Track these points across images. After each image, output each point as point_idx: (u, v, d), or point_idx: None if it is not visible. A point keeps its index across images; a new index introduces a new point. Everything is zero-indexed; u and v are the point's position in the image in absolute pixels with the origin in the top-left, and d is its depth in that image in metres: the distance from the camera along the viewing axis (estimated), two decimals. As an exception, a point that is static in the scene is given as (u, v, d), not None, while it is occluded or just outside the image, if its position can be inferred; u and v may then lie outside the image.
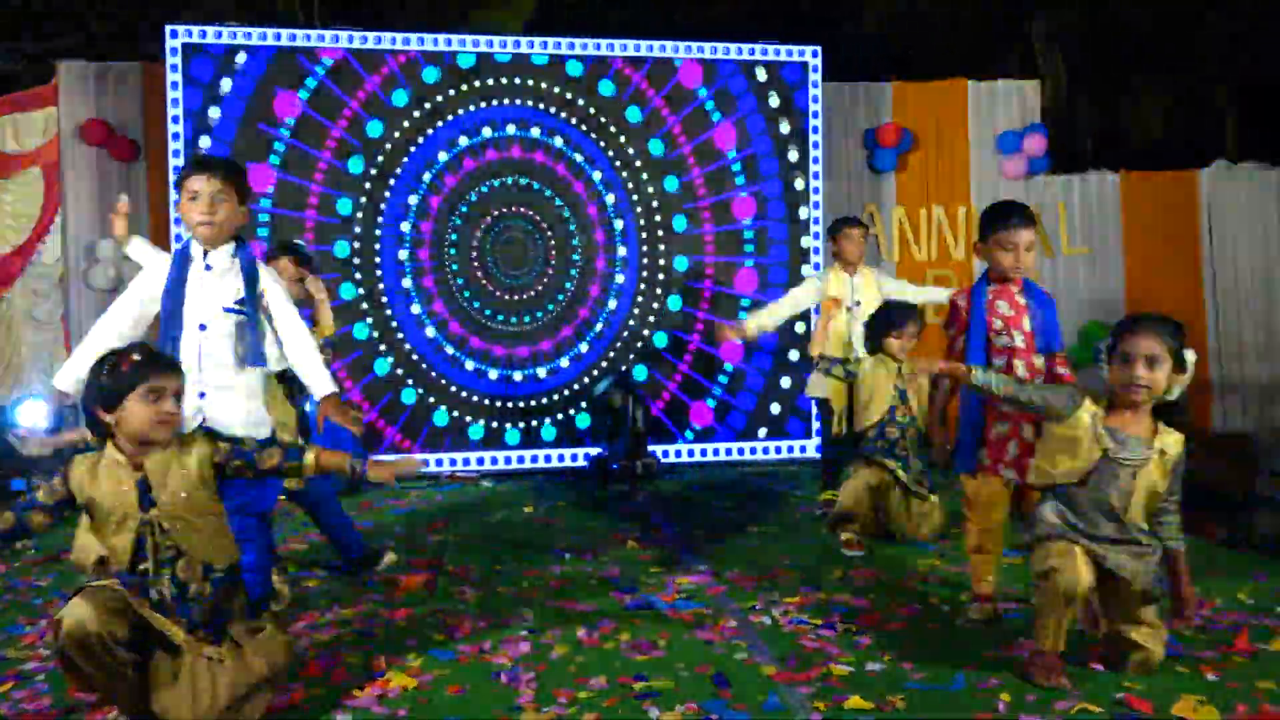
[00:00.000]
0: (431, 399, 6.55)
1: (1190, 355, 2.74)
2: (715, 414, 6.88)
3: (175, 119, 6.23)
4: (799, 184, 7.04)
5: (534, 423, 6.67)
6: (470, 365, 6.61)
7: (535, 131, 6.71)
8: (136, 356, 2.51)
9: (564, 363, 6.72)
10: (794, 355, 6.88)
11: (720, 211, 6.92)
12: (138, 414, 2.46)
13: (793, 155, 7.03)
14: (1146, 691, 2.67)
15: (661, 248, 6.88)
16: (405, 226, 6.56)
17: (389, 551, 4.16)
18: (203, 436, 2.59)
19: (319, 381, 3.13)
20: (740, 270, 6.93)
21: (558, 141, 6.73)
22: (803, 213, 7.04)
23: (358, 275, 6.47)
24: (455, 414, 6.56)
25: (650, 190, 6.86)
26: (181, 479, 2.49)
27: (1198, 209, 8.01)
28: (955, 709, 2.60)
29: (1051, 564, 2.72)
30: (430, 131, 6.58)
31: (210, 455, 2.54)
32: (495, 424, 6.63)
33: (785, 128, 7.01)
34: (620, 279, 6.80)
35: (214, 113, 6.26)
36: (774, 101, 6.99)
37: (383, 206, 6.52)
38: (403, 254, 6.54)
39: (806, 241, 6.97)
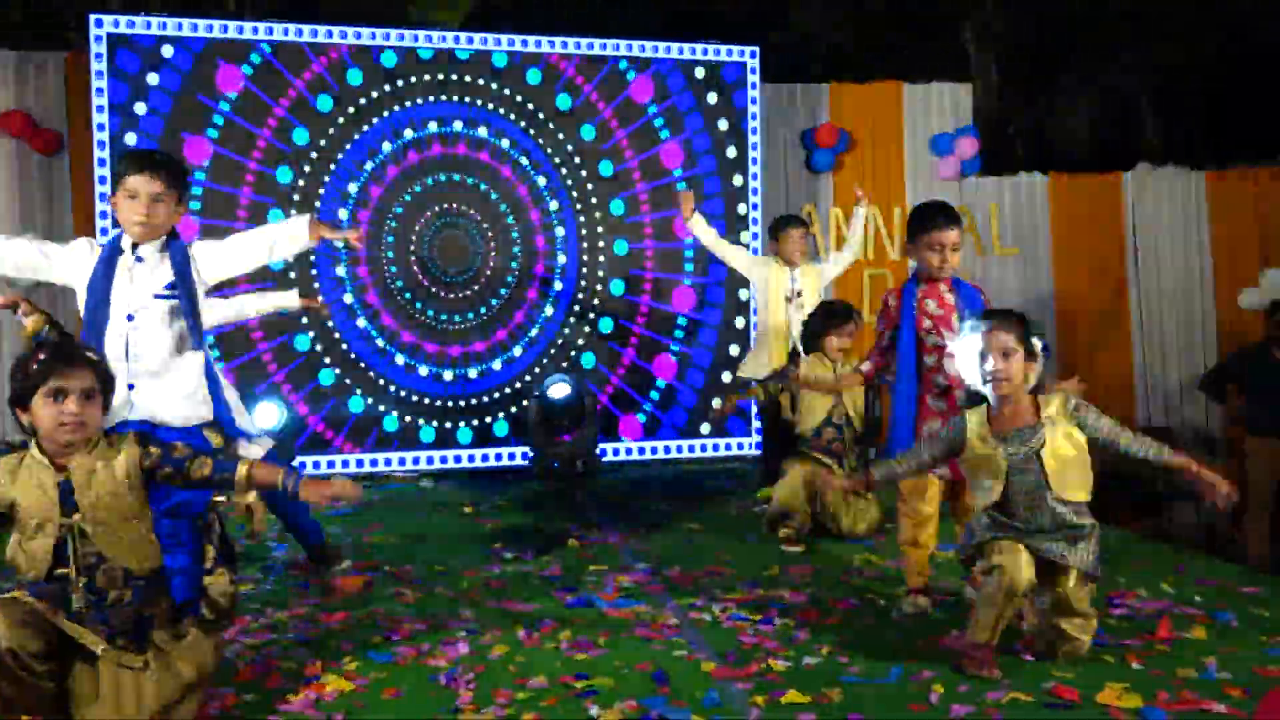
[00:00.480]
0: (371, 400, 6.47)
1: (1038, 344, 2.90)
2: (649, 421, 6.90)
3: (100, 109, 6.06)
4: (737, 181, 7.09)
5: (475, 421, 6.62)
6: (405, 363, 6.54)
7: (482, 131, 6.67)
8: (42, 355, 2.42)
9: (510, 357, 6.68)
10: (734, 350, 6.93)
11: (661, 208, 6.94)
12: (42, 415, 2.39)
13: (731, 153, 7.07)
14: (1074, 680, 2.75)
15: (601, 244, 6.87)
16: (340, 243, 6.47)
17: (347, 559, 4.10)
18: (133, 439, 2.50)
19: (290, 235, 3.16)
20: (679, 287, 6.95)
21: (506, 144, 6.70)
22: (740, 209, 7.09)
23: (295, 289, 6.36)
24: (397, 414, 6.48)
25: (590, 189, 6.86)
26: (107, 483, 2.41)
27: (1122, 211, 8.25)
28: (890, 701, 2.65)
29: (996, 561, 2.78)
30: (357, 136, 6.48)
31: (139, 459, 2.46)
32: (437, 424, 6.57)
33: (724, 126, 7.06)
34: (558, 285, 6.78)
35: (139, 108, 6.10)
36: (713, 100, 7.03)
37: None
38: (339, 269, 6.44)
39: (745, 238, 7.03)
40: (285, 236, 3.16)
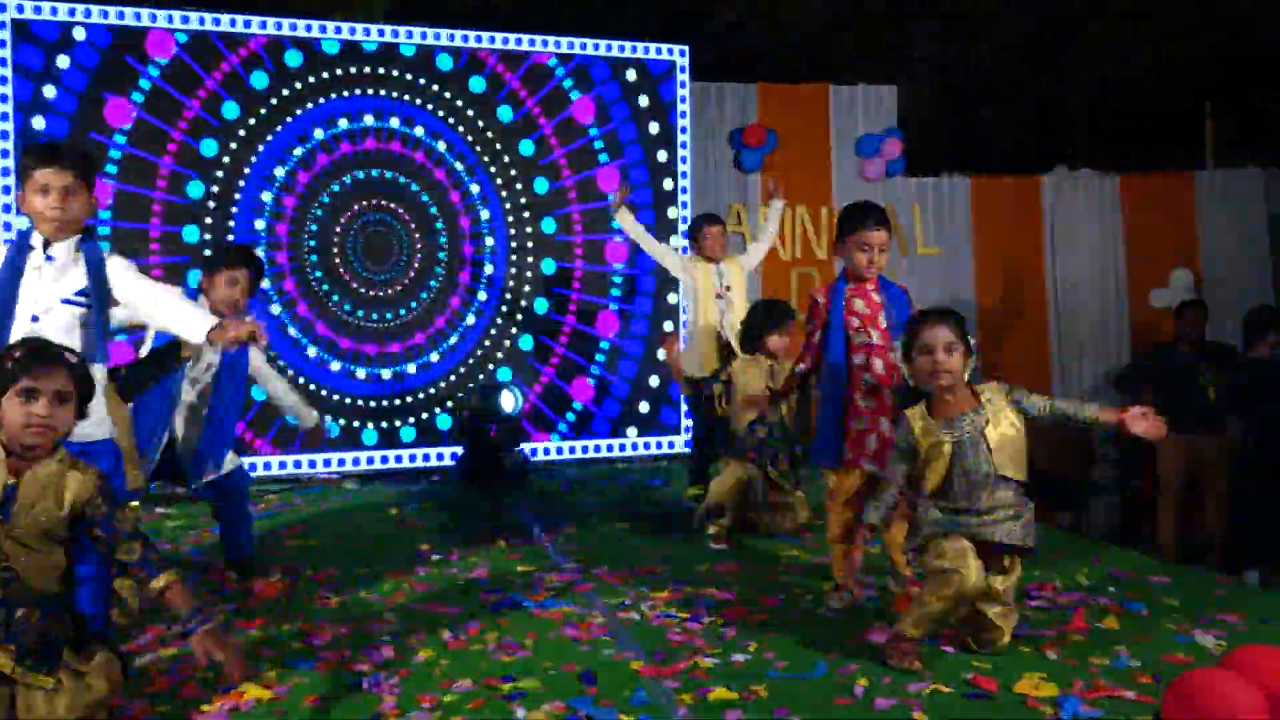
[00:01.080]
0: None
1: (972, 340, 3.02)
2: (598, 387, 6.89)
3: (4, 98, 5.82)
4: (667, 184, 7.12)
5: (398, 422, 6.54)
6: (336, 366, 6.43)
7: (396, 123, 6.58)
8: (18, 352, 2.33)
9: (425, 363, 6.61)
10: (663, 355, 6.96)
11: (593, 229, 6.92)
12: (9, 414, 2.30)
13: (661, 156, 7.10)
14: (992, 671, 2.82)
15: (530, 259, 6.84)
16: (260, 224, 6.32)
17: (276, 572, 4.00)
18: (96, 477, 2.39)
19: (197, 321, 2.86)
20: (604, 312, 6.95)
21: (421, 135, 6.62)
22: (671, 213, 7.12)
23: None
24: (329, 417, 6.37)
25: (520, 187, 6.82)
26: (51, 508, 2.31)
27: (1041, 213, 8.49)
28: (816, 695, 2.69)
29: (946, 565, 2.81)
30: (279, 128, 6.35)
31: (85, 501, 2.34)
32: (357, 424, 6.47)
33: (654, 128, 7.08)
34: (482, 296, 6.73)
35: (49, 91, 5.89)
36: (643, 101, 7.05)
37: (231, 223, 6.27)
38: (264, 281, 6.27)
39: (675, 240, 7.06)
40: (187, 325, 2.90)
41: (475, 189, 6.73)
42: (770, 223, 5.67)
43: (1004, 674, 2.79)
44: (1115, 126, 11.21)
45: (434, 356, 6.62)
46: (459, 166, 6.69)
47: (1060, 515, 7.39)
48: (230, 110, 6.26)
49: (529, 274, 6.82)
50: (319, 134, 6.43)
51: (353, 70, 6.49)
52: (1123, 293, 8.51)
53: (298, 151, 6.40)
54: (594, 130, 6.93)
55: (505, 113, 6.80)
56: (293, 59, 6.37)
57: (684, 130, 7.18)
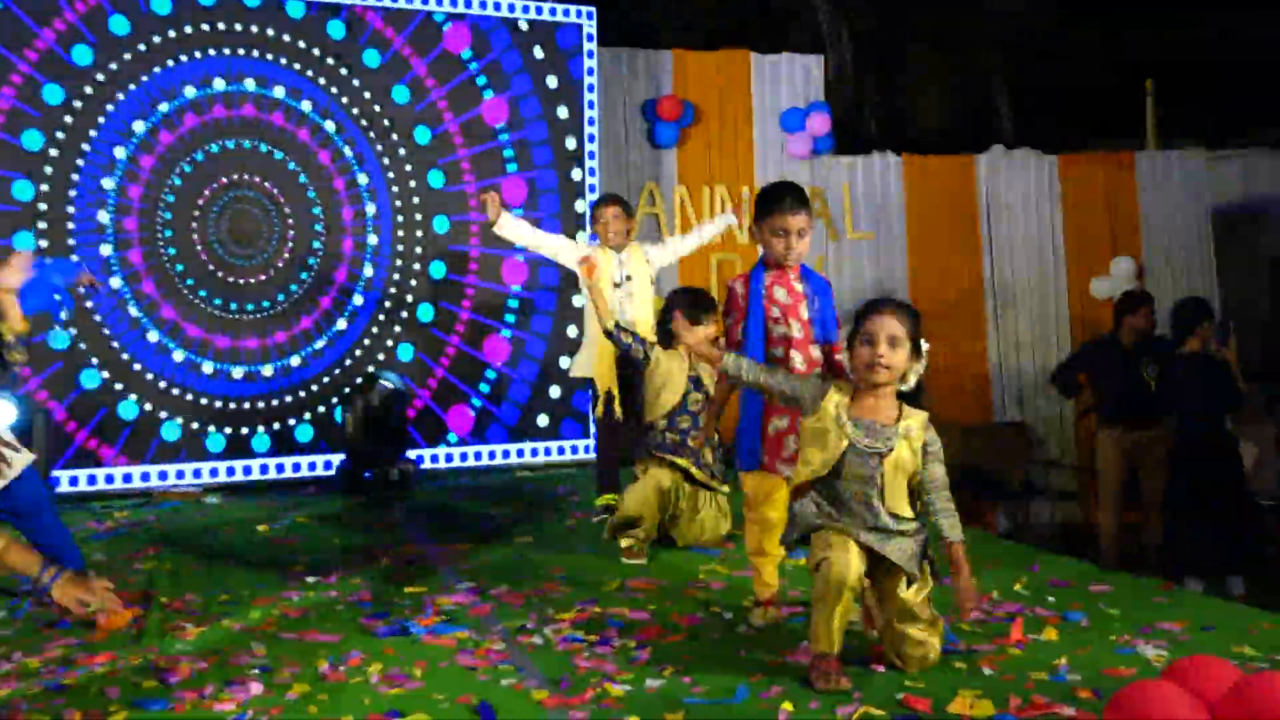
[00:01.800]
0: (148, 405, 6.15)
1: (925, 345, 3.03)
2: (479, 417, 6.84)
3: None
4: (570, 144, 7.09)
5: (277, 426, 6.41)
6: (180, 356, 6.25)
7: (278, 92, 6.42)
8: None
9: (314, 351, 6.47)
10: (565, 362, 6.94)
11: (487, 174, 6.89)
12: None
13: (563, 113, 7.06)
14: (925, 690, 2.88)
15: (418, 218, 6.75)
16: (104, 217, 6.10)
17: (123, 600, 3.85)
18: None
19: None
20: (507, 260, 6.91)
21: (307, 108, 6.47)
22: (575, 174, 7.12)
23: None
24: (180, 420, 6.18)
25: (403, 151, 6.72)
26: None
27: (975, 195, 8.72)
28: (736, 723, 2.71)
29: (822, 555, 2.87)
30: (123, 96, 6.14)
31: None
32: (230, 429, 6.32)
33: (560, 104, 7.06)
34: (369, 270, 6.62)
35: None
36: (547, 70, 7.03)
37: (72, 194, 6.03)
38: (105, 248, 6.09)
39: (581, 206, 7.06)
40: None
41: (364, 179, 6.61)
42: (706, 229, 5.62)
43: (937, 693, 2.85)
44: (1053, 104, 11.60)
45: (320, 344, 6.49)
46: (348, 152, 6.57)
47: (997, 518, 7.61)
48: (82, 55, 6.02)
49: (413, 281, 6.74)
50: (190, 92, 6.23)
51: (237, 28, 6.32)
52: (1062, 282, 8.81)
53: (163, 108, 6.19)
54: (501, 128, 6.90)
55: (401, 93, 6.70)
56: (160, 6, 6.16)
57: (591, 105, 7.17)
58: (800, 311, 3.47)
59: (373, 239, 6.67)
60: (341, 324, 6.58)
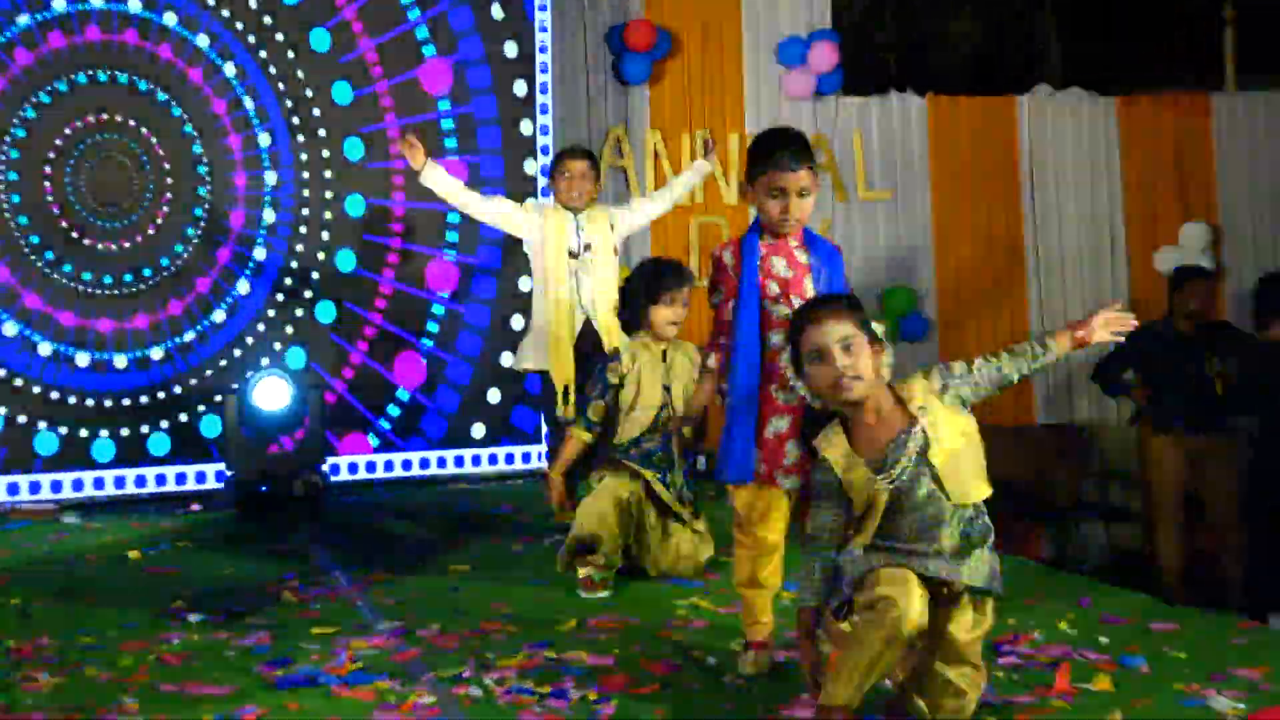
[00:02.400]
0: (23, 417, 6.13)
1: (878, 327, 3.04)
2: (405, 417, 6.84)
3: None
4: (519, 89, 7.10)
5: (145, 429, 6.37)
6: (47, 349, 6.21)
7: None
8: None
9: (182, 344, 6.44)
10: (506, 359, 6.95)
11: (407, 100, 6.90)
12: None
13: (510, 51, 7.08)
14: (953, 751, 2.91)
15: (328, 195, 6.74)
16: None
17: None
18: None
19: None
20: (435, 261, 6.91)
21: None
22: (525, 127, 7.12)
23: None
24: (23, 420, 6.15)
25: (318, 111, 6.71)
26: None
27: (1017, 145, 8.78)
28: (721, 792, 2.73)
29: (880, 593, 2.80)
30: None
31: None
32: (85, 433, 6.27)
33: (500, 17, 7.07)
34: (261, 253, 6.60)
35: None
36: (505, 34, 7.08)
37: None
38: None
39: (531, 167, 7.06)
40: None
41: (265, 140, 6.60)
42: (678, 183, 5.67)
43: (967, 755, 2.88)
44: (1110, 34, 11.66)
45: (189, 336, 6.45)
46: (249, 104, 6.59)
47: (1040, 542, 7.69)
48: None
49: (315, 273, 6.75)
50: (60, 4, 6.21)
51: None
52: (1121, 252, 8.88)
53: (23, 20, 6.17)
54: (442, 98, 6.95)
55: (321, 39, 6.69)
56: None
57: (543, 27, 7.17)
58: (804, 287, 3.47)
59: (269, 215, 6.64)
60: (220, 315, 6.54)
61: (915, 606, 2.78)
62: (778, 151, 3.44)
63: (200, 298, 6.53)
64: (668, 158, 7.99)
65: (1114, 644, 3.74)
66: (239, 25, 6.58)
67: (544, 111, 7.21)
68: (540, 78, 7.19)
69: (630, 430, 4.64)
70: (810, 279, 3.50)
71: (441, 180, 5.30)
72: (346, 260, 6.79)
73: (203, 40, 6.50)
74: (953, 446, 2.92)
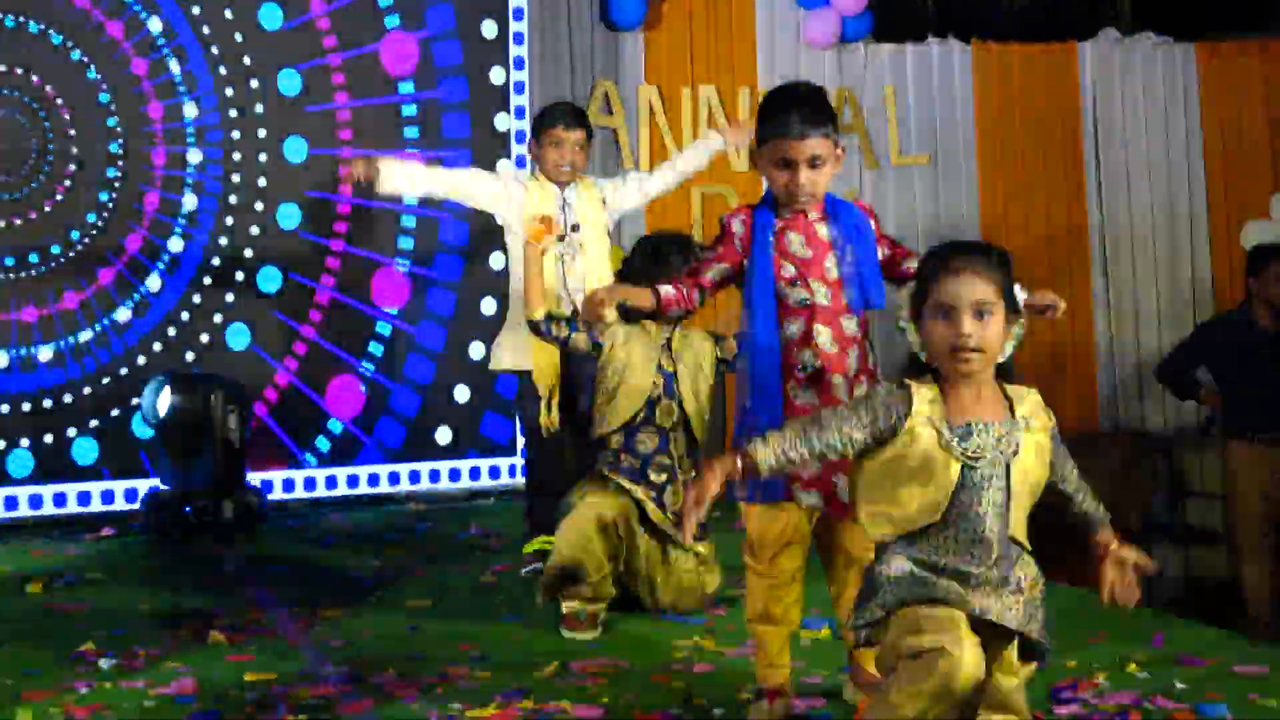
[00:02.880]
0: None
1: (1021, 294, 3.02)
2: (358, 422, 6.85)
3: None
4: (488, 31, 7.11)
5: (48, 439, 6.40)
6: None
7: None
8: None
9: (76, 346, 6.44)
10: (476, 351, 6.95)
11: (372, 139, 6.93)
12: None
13: (488, 30, 7.13)
14: (1002, 815, 2.92)
15: (261, 184, 6.76)
16: None
17: None
18: None
19: None
20: (382, 271, 6.95)
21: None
22: (495, 76, 7.14)
23: None
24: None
25: (254, 71, 6.73)
26: None
27: (1078, 101, 8.78)
28: None
29: (928, 641, 2.80)
30: None
31: None
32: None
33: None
34: (178, 244, 6.61)
35: None
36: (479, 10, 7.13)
37: None
38: None
39: (504, 122, 7.08)
40: None
41: (192, 111, 6.61)
42: (684, 158, 5.63)
43: (1019, 820, 2.90)
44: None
45: (85, 336, 6.45)
46: (175, 68, 6.58)
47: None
48: None
49: (258, 206, 6.78)
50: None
51: None
52: (1202, 226, 8.88)
53: None
54: (403, 80, 7.04)
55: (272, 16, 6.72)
56: None
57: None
58: (826, 268, 3.48)
59: (189, 201, 6.64)
60: (125, 314, 6.55)
61: (969, 656, 2.77)
62: (788, 113, 3.44)
63: (104, 293, 6.52)
64: (665, 117, 7.97)
65: (1192, 690, 3.76)
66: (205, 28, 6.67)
67: (519, 66, 7.21)
68: (514, 25, 7.21)
69: (612, 419, 4.63)
70: (833, 257, 3.50)
71: (400, 177, 5.32)
72: (271, 277, 6.80)
73: (155, 25, 6.55)
74: (1034, 474, 2.95)
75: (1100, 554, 3.04)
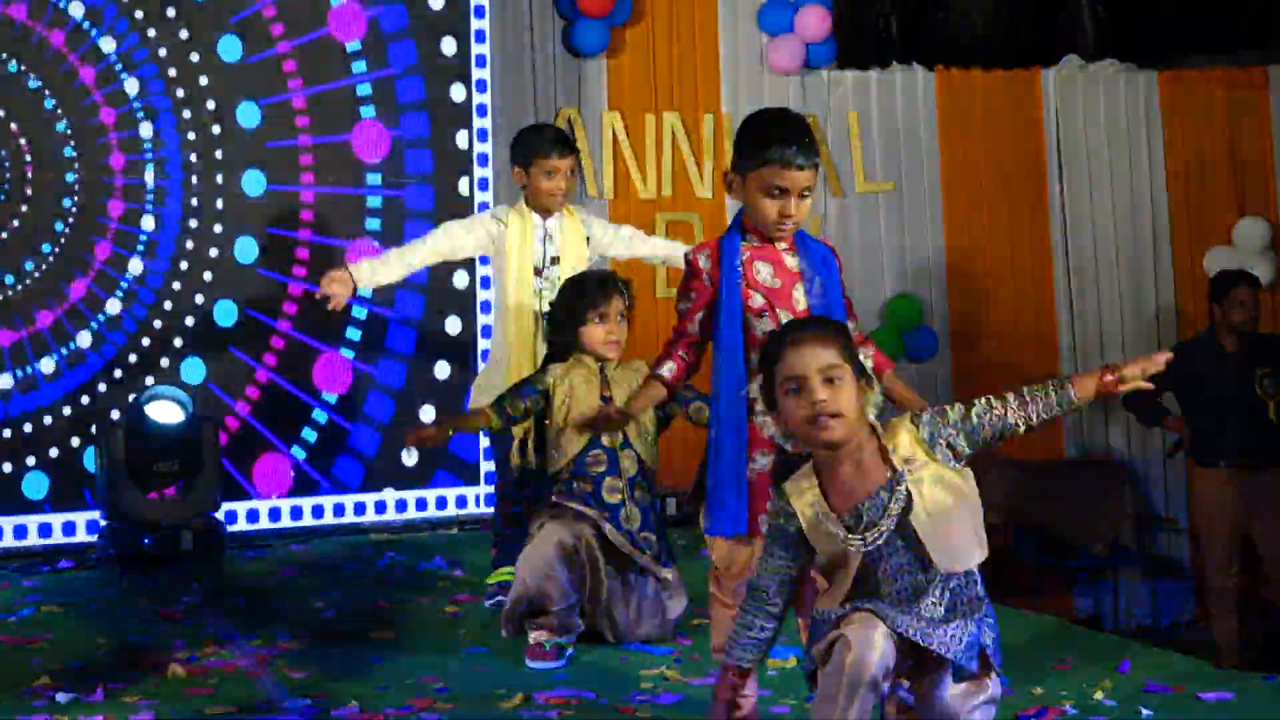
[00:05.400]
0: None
1: (867, 360, 3.07)
2: (313, 455, 6.83)
3: None
4: (449, 48, 7.12)
5: (6, 468, 6.37)
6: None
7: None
8: None
9: (46, 367, 6.42)
10: (443, 370, 6.94)
11: (330, 127, 6.95)
12: None
13: (439, 5, 7.10)
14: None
15: (220, 180, 6.75)
16: None
17: None
18: None
19: None
20: (359, 241, 6.93)
21: None
22: (457, 93, 7.15)
23: None
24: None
25: (212, 96, 6.73)
26: None
27: (1042, 127, 8.85)
28: None
29: (834, 635, 2.86)
30: None
31: None
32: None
33: (449, 47, 7.14)
34: (150, 223, 6.59)
35: None
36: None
37: None
38: None
39: (463, 139, 7.09)
40: None
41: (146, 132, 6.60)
42: (663, 246, 5.70)
43: None
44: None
45: (47, 366, 6.41)
46: (131, 92, 6.56)
47: (1072, 597, 7.74)
48: None
49: (220, 204, 6.76)
50: None
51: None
52: (1165, 252, 8.94)
53: None
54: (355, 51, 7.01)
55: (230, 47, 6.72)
56: None
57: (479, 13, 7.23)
58: (793, 298, 3.51)
59: (151, 176, 6.63)
60: (114, 305, 6.53)
61: (878, 645, 2.83)
62: (785, 145, 3.45)
63: (72, 313, 6.50)
64: (629, 143, 7.99)
65: (1158, 717, 3.78)
66: (161, 50, 6.64)
67: (481, 89, 7.22)
68: (476, 48, 7.21)
69: (568, 449, 4.63)
70: (801, 287, 3.53)
71: (383, 273, 5.32)
72: (247, 250, 6.79)
73: (107, 45, 6.54)
74: (940, 507, 2.95)
75: (1104, 378, 3.04)
